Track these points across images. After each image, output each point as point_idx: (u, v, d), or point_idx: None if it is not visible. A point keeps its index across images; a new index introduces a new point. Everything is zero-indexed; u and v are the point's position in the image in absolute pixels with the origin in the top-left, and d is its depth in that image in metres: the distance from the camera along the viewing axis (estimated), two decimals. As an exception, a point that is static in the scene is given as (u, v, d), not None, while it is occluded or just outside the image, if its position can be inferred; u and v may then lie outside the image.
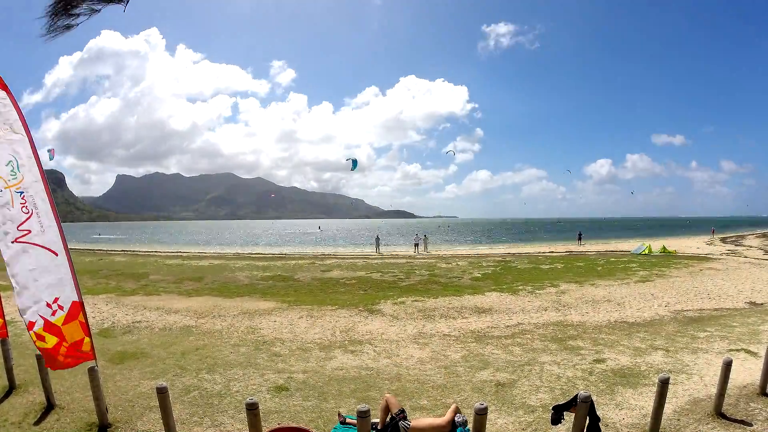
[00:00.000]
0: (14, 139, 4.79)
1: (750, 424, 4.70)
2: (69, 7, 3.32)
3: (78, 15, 3.41)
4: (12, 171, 4.75)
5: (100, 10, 3.46)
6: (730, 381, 5.00)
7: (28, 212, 4.71)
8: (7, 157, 4.75)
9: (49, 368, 4.89)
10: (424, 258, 26.60)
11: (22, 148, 4.81)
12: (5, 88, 4.79)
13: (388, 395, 4.49)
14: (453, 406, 4.40)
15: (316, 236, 72.81)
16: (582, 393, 3.92)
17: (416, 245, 35.82)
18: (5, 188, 4.71)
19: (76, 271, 4.85)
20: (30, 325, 4.55)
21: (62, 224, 4.88)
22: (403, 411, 4.33)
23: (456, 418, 4.34)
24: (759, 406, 5.08)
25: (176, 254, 32.16)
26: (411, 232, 70.37)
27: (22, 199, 4.72)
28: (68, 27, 3.43)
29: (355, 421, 4.18)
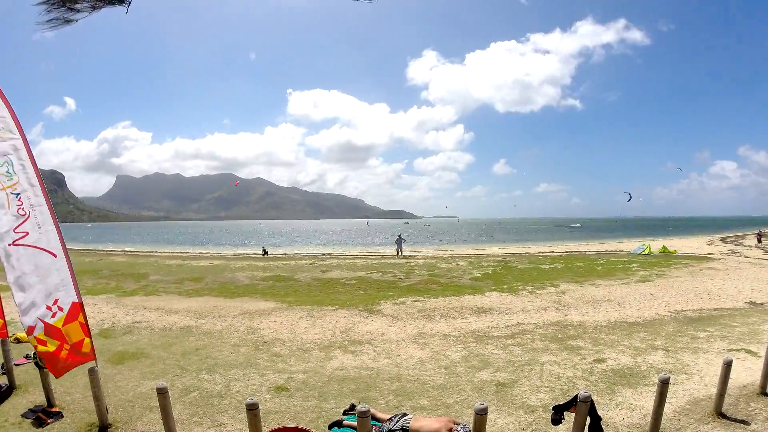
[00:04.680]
0: (8, 140, 4.76)
1: (750, 424, 4.71)
2: (68, 1, 3.29)
3: (78, 10, 3.37)
4: (7, 172, 4.71)
5: (101, 8, 3.43)
6: (730, 381, 4.99)
7: (25, 214, 4.67)
8: (2, 158, 4.72)
9: (52, 375, 4.84)
10: (425, 258, 26.61)
11: (17, 149, 4.78)
12: None
13: (373, 410, 4.17)
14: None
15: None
16: (582, 393, 3.92)
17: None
18: (1, 190, 4.67)
19: (76, 271, 4.84)
20: (30, 330, 4.53)
21: (63, 225, 4.87)
22: (393, 416, 4.30)
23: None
24: (759, 406, 5.08)
25: (176, 254, 32.18)
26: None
27: (19, 201, 4.68)
28: (67, 21, 3.39)
29: (353, 423, 4.18)
